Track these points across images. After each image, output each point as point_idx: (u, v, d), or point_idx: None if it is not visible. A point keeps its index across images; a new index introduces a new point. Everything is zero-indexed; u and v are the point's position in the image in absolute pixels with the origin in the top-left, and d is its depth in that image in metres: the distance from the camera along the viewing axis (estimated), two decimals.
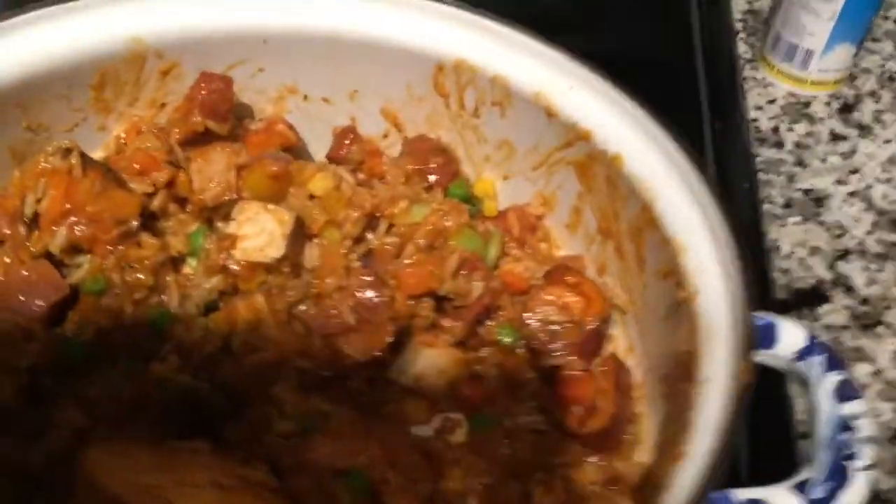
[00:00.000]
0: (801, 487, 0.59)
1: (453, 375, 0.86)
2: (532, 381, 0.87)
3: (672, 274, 0.74)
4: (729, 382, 0.63)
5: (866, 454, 0.60)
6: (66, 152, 0.82)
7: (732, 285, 0.68)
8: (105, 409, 0.72)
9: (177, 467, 0.65)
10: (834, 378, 0.63)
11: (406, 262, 0.86)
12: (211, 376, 0.77)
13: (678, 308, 0.72)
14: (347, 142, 0.98)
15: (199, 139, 0.91)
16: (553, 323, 0.86)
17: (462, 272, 0.86)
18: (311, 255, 0.84)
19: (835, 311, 1.01)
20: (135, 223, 0.82)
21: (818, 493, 0.58)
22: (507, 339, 0.87)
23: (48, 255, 0.80)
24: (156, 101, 0.95)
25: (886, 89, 1.32)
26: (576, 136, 0.85)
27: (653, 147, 0.77)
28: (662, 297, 0.79)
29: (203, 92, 0.90)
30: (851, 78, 1.31)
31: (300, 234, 0.83)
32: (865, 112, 1.28)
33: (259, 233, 0.80)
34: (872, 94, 1.32)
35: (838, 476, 0.59)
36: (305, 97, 1.00)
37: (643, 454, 0.79)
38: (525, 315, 0.86)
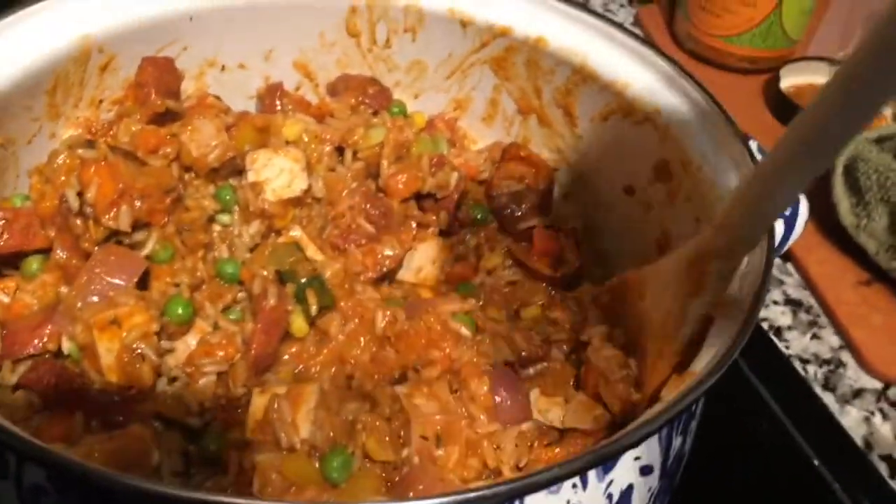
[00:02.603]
0: None
1: (443, 259, 1.02)
2: (504, 245, 1.05)
3: (615, 112, 0.96)
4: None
5: None
6: (90, 143, 0.85)
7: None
8: None
9: None
10: None
11: (387, 174, 0.99)
12: None
13: (632, 131, 0.94)
14: (278, 99, 1.07)
15: (157, 120, 0.96)
16: (515, 191, 1.04)
17: (433, 169, 1.01)
18: (318, 187, 0.94)
19: None
20: (181, 188, 0.87)
21: (787, 211, 0.84)
22: (479, 216, 1.04)
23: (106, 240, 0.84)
24: (94, 100, 0.97)
25: None
26: (492, 35, 1.02)
27: (572, 23, 0.97)
28: (603, 137, 1.00)
29: (154, 74, 0.95)
30: None
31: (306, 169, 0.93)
32: (596, 6, 1.59)
33: (279, 174, 0.89)
34: None
35: None
36: (223, 67, 1.07)
37: None
38: (492, 192, 1.04)
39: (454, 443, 0.77)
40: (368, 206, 0.96)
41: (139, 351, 0.76)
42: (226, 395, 0.80)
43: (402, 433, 0.76)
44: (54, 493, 0.56)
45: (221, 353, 0.79)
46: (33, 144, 0.91)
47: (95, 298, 0.80)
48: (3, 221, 0.84)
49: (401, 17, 1.05)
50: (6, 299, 0.84)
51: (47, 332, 0.78)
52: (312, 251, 0.89)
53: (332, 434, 0.75)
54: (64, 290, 0.84)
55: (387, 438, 0.76)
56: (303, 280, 0.84)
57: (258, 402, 0.75)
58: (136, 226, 0.83)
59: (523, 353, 0.88)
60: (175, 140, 0.89)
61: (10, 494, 0.59)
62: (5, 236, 0.84)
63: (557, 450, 0.81)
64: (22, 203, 0.86)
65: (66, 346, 0.78)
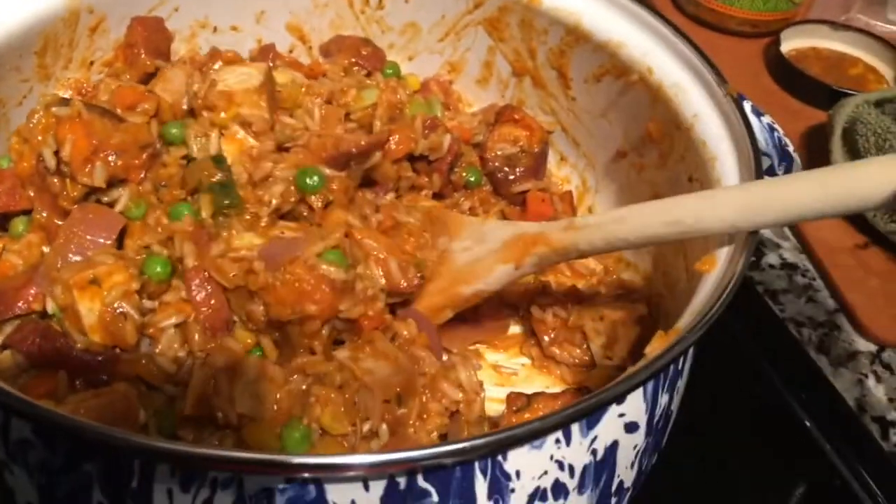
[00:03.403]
0: (769, 170, 0.83)
1: None
2: (498, 208, 1.05)
3: (608, 72, 0.95)
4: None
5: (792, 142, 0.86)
6: (64, 101, 0.84)
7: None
8: None
9: None
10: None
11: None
12: None
13: (624, 93, 0.93)
14: (270, 60, 1.06)
15: (147, 81, 0.96)
16: (510, 154, 1.04)
17: (426, 132, 1.00)
18: (315, 119, 0.94)
19: None
20: (158, 144, 0.86)
21: (780, 171, 0.83)
22: (473, 179, 1.04)
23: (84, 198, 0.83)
24: (85, 61, 0.97)
25: None
26: None
27: None
28: (596, 99, 0.99)
29: (143, 34, 0.95)
30: None
31: (273, 91, 0.93)
32: None
33: (238, 76, 0.90)
34: None
35: (786, 155, 0.84)
36: (215, 29, 1.06)
37: None
38: (486, 154, 1.04)
39: (414, 395, 0.75)
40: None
41: (121, 310, 0.75)
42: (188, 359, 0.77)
43: (356, 401, 0.73)
44: (41, 447, 0.57)
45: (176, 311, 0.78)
46: (24, 106, 0.91)
47: (77, 258, 0.80)
48: None
49: None
50: None
51: (32, 292, 0.78)
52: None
53: (281, 407, 0.71)
54: (46, 249, 0.84)
55: (342, 409, 0.73)
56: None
57: (197, 376, 0.71)
58: (113, 182, 0.82)
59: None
60: (153, 96, 0.88)
61: None
62: None
63: (527, 415, 0.80)
64: (8, 165, 0.86)
65: (50, 306, 0.78)
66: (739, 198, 0.71)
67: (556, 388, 0.91)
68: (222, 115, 0.88)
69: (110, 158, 0.81)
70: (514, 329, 0.98)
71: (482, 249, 0.88)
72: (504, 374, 0.94)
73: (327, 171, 0.86)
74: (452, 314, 0.89)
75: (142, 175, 0.84)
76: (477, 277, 0.87)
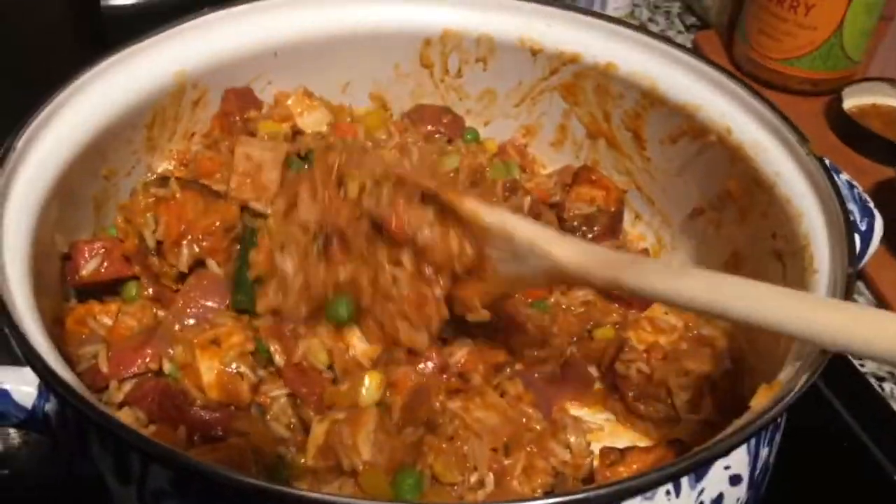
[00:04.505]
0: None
1: None
2: None
3: (685, 133, 0.98)
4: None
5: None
6: (164, 180, 0.90)
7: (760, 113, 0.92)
8: None
9: None
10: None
11: None
12: None
13: (702, 153, 0.96)
14: None
15: None
16: (587, 214, 1.07)
17: (506, 194, 1.04)
18: None
19: None
20: (239, 227, 0.91)
21: (864, 226, 0.85)
22: None
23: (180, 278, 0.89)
24: (188, 132, 1.03)
25: (658, 14, 1.74)
26: (561, 62, 1.06)
27: (640, 48, 1.00)
28: (672, 159, 1.02)
29: (237, 103, 1.01)
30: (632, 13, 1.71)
31: None
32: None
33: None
34: (651, 20, 1.71)
35: (867, 211, 0.86)
36: None
37: None
38: (564, 214, 1.07)
39: (520, 448, 0.78)
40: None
41: (238, 370, 0.80)
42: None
43: (465, 450, 0.77)
44: (177, 496, 0.60)
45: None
46: (132, 176, 0.97)
47: (192, 321, 0.85)
48: (104, 251, 0.89)
49: (473, 48, 1.09)
50: (109, 322, 0.88)
51: (149, 352, 0.83)
52: None
53: (395, 456, 0.75)
54: (161, 313, 0.89)
55: (453, 459, 0.77)
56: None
57: (318, 430, 0.75)
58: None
59: None
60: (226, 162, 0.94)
61: (130, 498, 0.63)
62: (105, 265, 0.89)
63: (621, 468, 0.81)
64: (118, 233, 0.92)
65: (167, 366, 0.82)
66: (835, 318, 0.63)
67: (643, 443, 0.92)
68: None
69: (197, 242, 0.86)
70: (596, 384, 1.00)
71: (521, 268, 0.80)
72: (590, 429, 0.95)
73: None
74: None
75: (226, 256, 0.88)
76: (516, 288, 0.85)
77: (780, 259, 0.86)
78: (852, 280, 0.71)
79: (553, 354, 0.95)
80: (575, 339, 1.00)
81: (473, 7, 1.06)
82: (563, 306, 1.02)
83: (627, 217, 1.12)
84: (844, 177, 0.92)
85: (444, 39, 1.08)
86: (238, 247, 0.90)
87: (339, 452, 0.73)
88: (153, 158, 1.00)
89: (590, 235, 1.07)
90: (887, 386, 1.10)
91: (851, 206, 0.88)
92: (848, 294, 0.71)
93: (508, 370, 0.91)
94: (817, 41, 1.48)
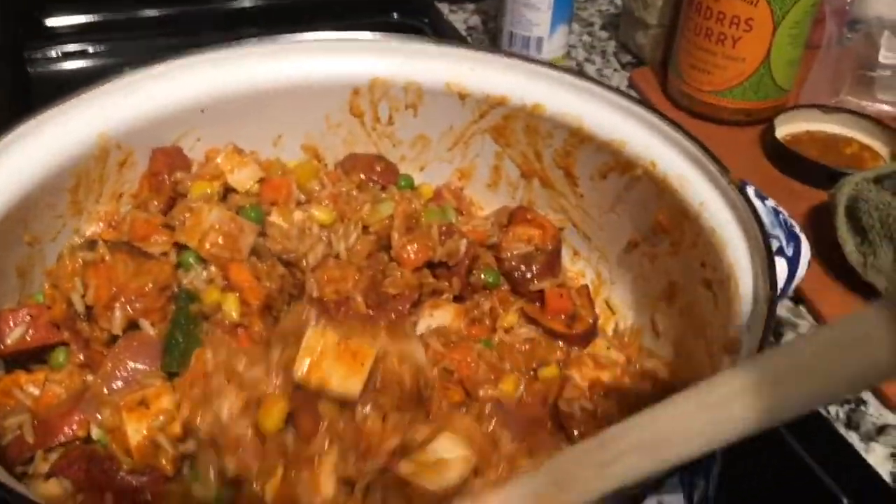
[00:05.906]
0: (779, 251, 0.86)
1: (459, 324, 1.04)
2: (518, 306, 1.07)
3: (613, 169, 0.99)
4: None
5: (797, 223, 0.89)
6: (92, 244, 0.88)
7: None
8: None
9: None
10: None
11: (399, 245, 1.02)
12: None
13: (631, 187, 0.97)
14: None
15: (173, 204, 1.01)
16: (525, 253, 1.07)
17: (442, 238, 1.04)
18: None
19: None
20: (176, 287, 0.90)
21: (790, 251, 0.86)
22: (491, 280, 1.07)
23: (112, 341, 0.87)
24: (115, 193, 1.02)
25: (594, 53, 1.76)
26: (489, 104, 1.07)
27: (565, 88, 1.01)
28: (604, 194, 1.03)
29: (166, 162, 1.00)
30: (568, 53, 1.74)
31: None
32: (591, 73, 1.68)
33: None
34: (588, 59, 1.74)
35: (793, 236, 0.87)
36: None
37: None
38: (502, 255, 1.07)
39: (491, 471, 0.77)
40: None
41: (158, 440, 0.78)
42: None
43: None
44: None
45: None
46: (57, 241, 0.95)
47: (120, 384, 0.83)
48: (29, 318, 0.87)
49: (402, 95, 1.10)
50: (37, 392, 0.86)
51: (76, 418, 0.81)
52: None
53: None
54: (90, 378, 0.87)
55: None
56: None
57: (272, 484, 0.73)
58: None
59: None
60: (167, 231, 0.92)
61: None
62: (31, 332, 0.87)
63: None
64: (44, 300, 0.90)
65: (95, 432, 0.80)
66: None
67: None
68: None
69: (129, 305, 0.85)
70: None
71: None
72: None
73: None
74: None
75: (160, 316, 0.87)
76: None
77: (709, 288, 0.87)
78: (773, 305, 0.72)
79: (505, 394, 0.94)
80: (524, 379, 0.99)
81: (398, 55, 1.07)
82: (507, 343, 1.02)
83: (566, 254, 1.13)
84: (770, 203, 0.93)
85: (372, 88, 1.09)
86: (174, 306, 0.89)
87: (301, 493, 0.72)
88: (80, 221, 0.98)
89: (528, 274, 1.07)
90: (832, 408, 1.10)
91: (777, 232, 0.89)
92: (769, 319, 0.71)
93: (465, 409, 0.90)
94: (746, 72, 1.52)
